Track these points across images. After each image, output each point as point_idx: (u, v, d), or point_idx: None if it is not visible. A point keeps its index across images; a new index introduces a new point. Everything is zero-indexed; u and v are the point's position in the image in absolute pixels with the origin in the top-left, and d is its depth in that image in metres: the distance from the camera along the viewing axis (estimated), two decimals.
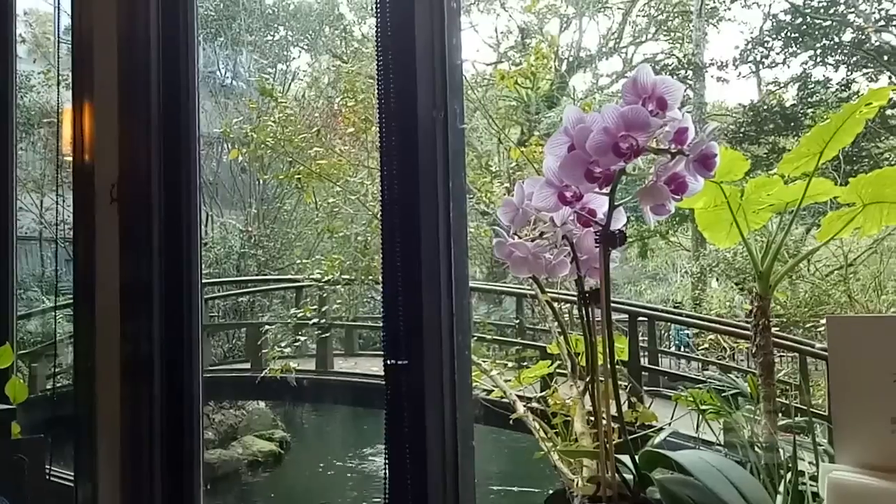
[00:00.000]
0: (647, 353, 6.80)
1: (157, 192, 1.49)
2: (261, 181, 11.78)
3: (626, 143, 0.77)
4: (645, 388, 5.48)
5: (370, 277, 7.21)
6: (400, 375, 1.00)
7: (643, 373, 6.21)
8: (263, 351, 8.38)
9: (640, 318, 6.87)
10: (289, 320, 8.58)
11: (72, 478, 1.53)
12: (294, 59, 14.23)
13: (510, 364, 5.73)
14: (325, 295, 8.23)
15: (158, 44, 1.53)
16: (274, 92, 8.98)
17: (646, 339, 6.95)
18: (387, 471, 1.03)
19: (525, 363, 5.82)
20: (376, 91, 1.02)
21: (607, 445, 0.82)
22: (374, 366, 7.68)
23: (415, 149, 1.00)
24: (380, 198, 1.05)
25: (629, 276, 12.06)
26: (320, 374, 8.01)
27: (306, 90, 12.71)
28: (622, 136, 0.77)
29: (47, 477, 1.49)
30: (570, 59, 14.45)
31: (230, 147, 10.76)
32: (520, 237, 0.86)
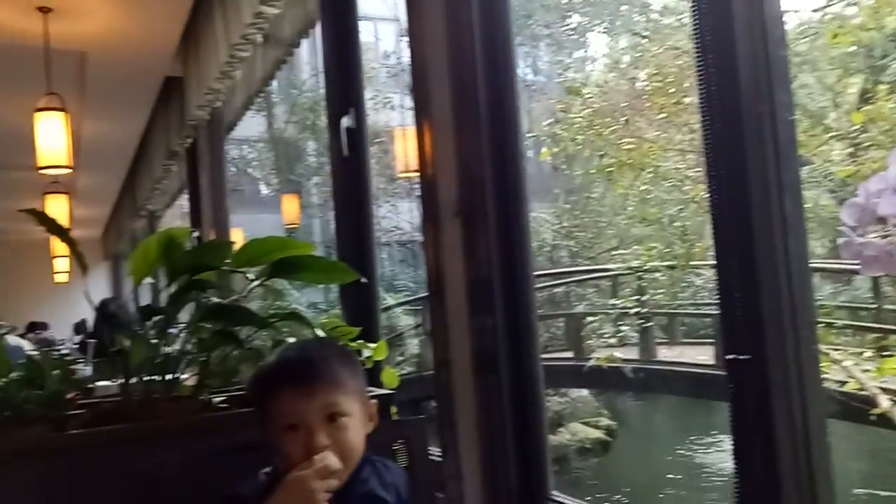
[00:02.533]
0: None
1: (490, 198, 1.63)
2: (568, 172, 12.00)
3: None
4: None
5: (690, 263, 6.86)
6: (743, 370, 0.97)
7: None
8: (588, 342, 8.55)
9: None
10: (609, 311, 8.62)
11: (438, 453, 1.77)
12: (591, 44, 14.19)
13: (867, 353, 4.97)
14: (643, 284, 8.07)
15: (483, 56, 1.63)
16: (580, 90, 9.04)
17: None
18: (736, 467, 1.02)
19: (887, 351, 5.00)
20: (696, 88, 1.01)
21: None
22: (700, 354, 7.29)
23: (741, 144, 0.96)
24: (706, 194, 1.03)
25: None
26: (643, 364, 7.90)
27: (607, 74, 12.54)
28: None
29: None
30: None
31: (538, 143, 11.19)
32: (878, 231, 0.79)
